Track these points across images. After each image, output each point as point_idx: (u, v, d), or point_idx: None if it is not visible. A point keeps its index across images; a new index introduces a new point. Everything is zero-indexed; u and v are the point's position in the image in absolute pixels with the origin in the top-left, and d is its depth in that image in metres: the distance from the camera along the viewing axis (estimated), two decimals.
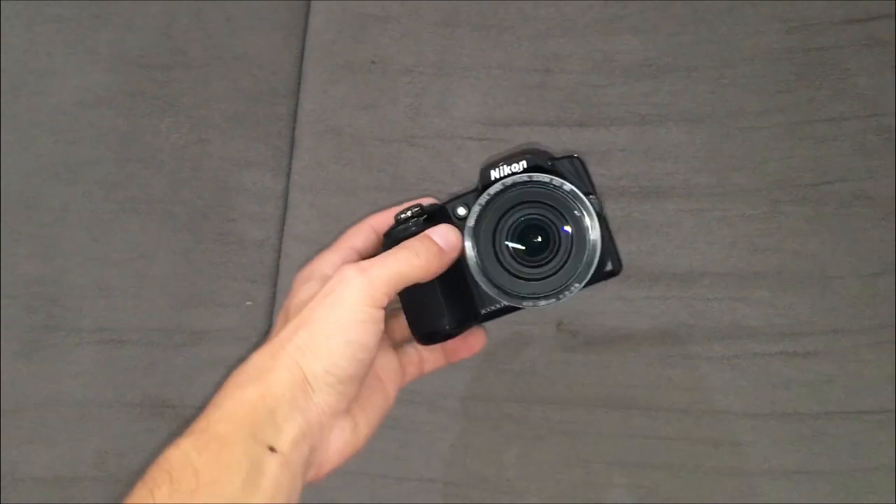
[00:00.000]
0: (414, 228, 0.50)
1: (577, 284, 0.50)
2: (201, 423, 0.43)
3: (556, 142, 0.77)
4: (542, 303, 0.50)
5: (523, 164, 0.51)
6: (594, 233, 0.50)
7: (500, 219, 0.51)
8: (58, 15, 0.83)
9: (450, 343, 0.52)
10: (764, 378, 0.69)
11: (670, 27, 0.77)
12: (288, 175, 0.82)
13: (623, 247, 0.73)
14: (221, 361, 0.76)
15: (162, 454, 0.42)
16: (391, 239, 0.51)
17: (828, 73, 0.75)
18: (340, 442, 0.46)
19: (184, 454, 0.41)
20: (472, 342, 0.54)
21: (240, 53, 0.83)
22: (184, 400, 0.75)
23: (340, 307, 0.44)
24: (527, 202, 0.51)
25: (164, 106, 0.81)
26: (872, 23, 0.76)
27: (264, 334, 0.77)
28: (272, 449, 0.41)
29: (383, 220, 0.55)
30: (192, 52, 0.83)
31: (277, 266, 0.79)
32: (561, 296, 0.50)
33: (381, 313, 0.45)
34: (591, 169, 0.76)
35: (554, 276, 0.51)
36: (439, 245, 0.49)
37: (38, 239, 0.77)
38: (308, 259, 0.77)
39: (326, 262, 0.52)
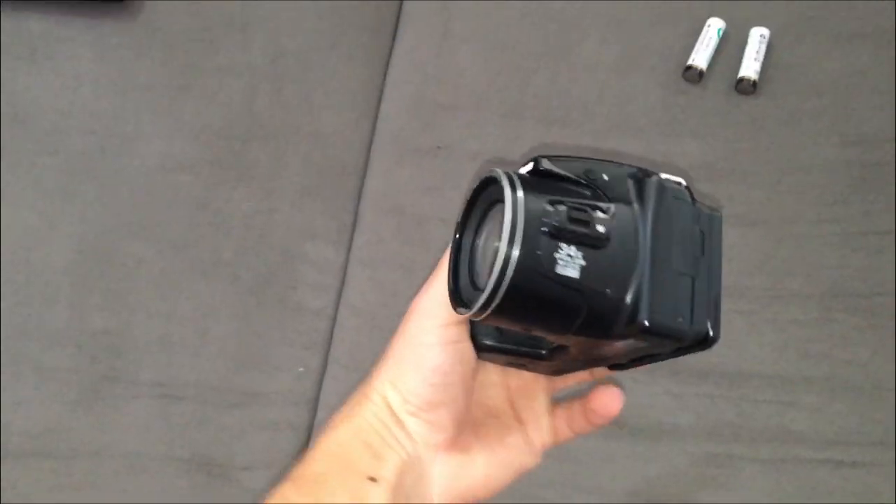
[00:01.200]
0: None
1: None
2: (299, 469, 0.42)
3: None
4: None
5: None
6: None
7: None
8: (149, 84, 0.89)
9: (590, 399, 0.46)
10: (809, 485, 0.69)
11: (729, 133, 0.80)
12: (349, 248, 0.85)
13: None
14: (271, 424, 0.78)
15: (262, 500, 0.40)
16: None
17: (882, 188, 0.77)
18: (450, 477, 0.43)
19: (283, 499, 0.40)
20: (608, 400, 0.46)
21: (314, 130, 0.88)
22: (231, 459, 0.76)
23: (408, 333, 0.43)
24: None
25: (239, 175, 0.85)
26: None
27: (314, 400, 0.79)
28: (372, 479, 0.40)
29: None
30: (269, 126, 0.88)
31: (331, 334, 0.82)
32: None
33: (456, 330, 0.41)
34: None
35: None
36: None
37: (109, 292, 0.81)
38: (359, 330, 0.80)
39: (434, 286, 0.45)
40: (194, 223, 0.84)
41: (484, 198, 0.41)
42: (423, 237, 0.82)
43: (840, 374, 0.72)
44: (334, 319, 0.82)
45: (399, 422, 0.42)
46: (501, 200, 0.36)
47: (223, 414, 0.78)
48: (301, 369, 0.80)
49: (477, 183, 0.40)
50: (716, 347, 0.75)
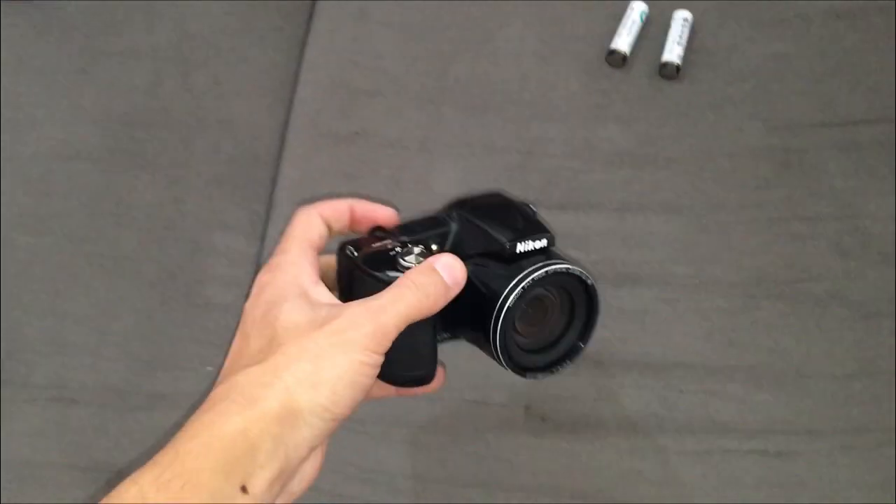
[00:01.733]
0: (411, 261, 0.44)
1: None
2: (169, 454, 0.38)
3: None
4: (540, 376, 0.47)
5: (544, 241, 0.49)
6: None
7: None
8: (45, 67, 0.84)
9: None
10: (735, 476, 0.67)
11: (652, 119, 0.78)
12: (263, 240, 0.81)
13: (597, 333, 0.72)
14: (176, 428, 0.73)
15: (116, 489, 0.37)
16: (369, 263, 0.45)
17: (806, 174, 0.76)
18: (310, 471, 0.43)
19: (140, 492, 0.37)
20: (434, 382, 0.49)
21: (224, 116, 0.84)
22: (134, 467, 0.71)
23: (350, 349, 0.41)
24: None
25: (143, 164, 0.80)
26: (851, 127, 0.77)
27: None
28: (244, 489, 0.37)
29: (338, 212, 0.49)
30: (176, 113, 0.83)
31: None
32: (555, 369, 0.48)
33: (382, 356, 0.42)
34: (568, 252, 0.76)
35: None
36: (446, 282, 0.44)
37: None
38: None
39: (293, 267, 0.45)
40: (93, 214, 0.78)
41: None
42: None
43: (765, 363, 0.70)
44: None
45: (295, 425, 0.39)
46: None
47: (125, 418, 0.72)
48: (210, 368, 0.76)
49: None
50: (640, 337, 0.73)
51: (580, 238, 0.75)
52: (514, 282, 0.45)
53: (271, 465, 0.38)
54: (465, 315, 0.46)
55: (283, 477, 0.39)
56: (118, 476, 0.69)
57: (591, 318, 0.51)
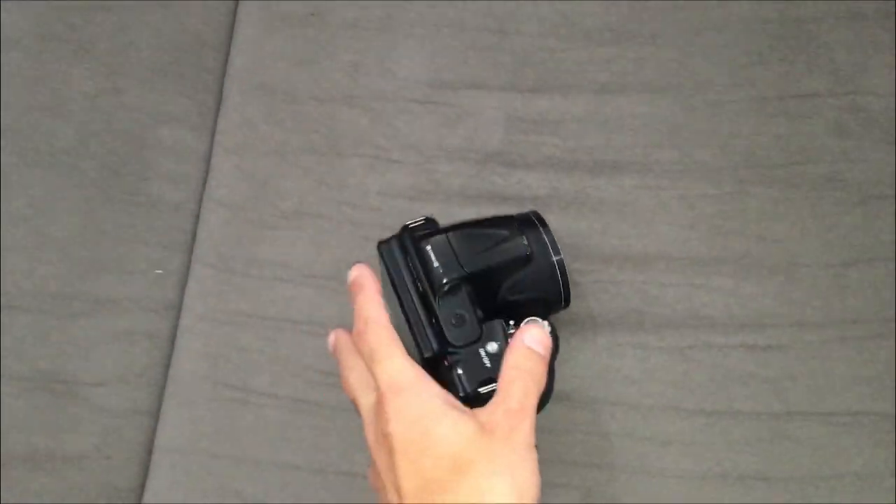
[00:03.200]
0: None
1: None
2: None
3: (508, 108, 0.70)
4: None
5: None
6: None
7: None
8: None
9: None
10: (720, 372, 0.63)
11: None
12: (212, 134, 0.74)
13: (574, 224, 0.67)
14: (123, 334, 0.68)
15: None
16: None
17: (804, 47, 0.69)
18: None
19: None
20: None
21: None
22: (78, 375, 0.66)
23: (528, 449, 0.45)
24: None
25: (78, 50, 0.73)
26: None
27: (174, 307, 0.70)
28: None
29: None
30: None
31: (194, 232, 0.72)
32: None
33: None
34: (543, 139, 0.70)
35: None
36: (542, 355, 0.48)
37: None
38: (228, 224, 0.70)
39: (422, 381, 0.47)
40: (26, 106, 0.72)
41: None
42: (295, 117, 0.72)
43: (754, 252, 0.65)
44: (197, 215, 0.72)
45: None
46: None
47: (67, 324, 0.68)
48: (159, 271, 0.70)
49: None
50: (620, 228, 0.68)
51: (556, 124, 0.69)
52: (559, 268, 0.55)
53: None
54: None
55: None
56: (63, 385, 0.64)
57: None
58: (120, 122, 0.72)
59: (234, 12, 0.77)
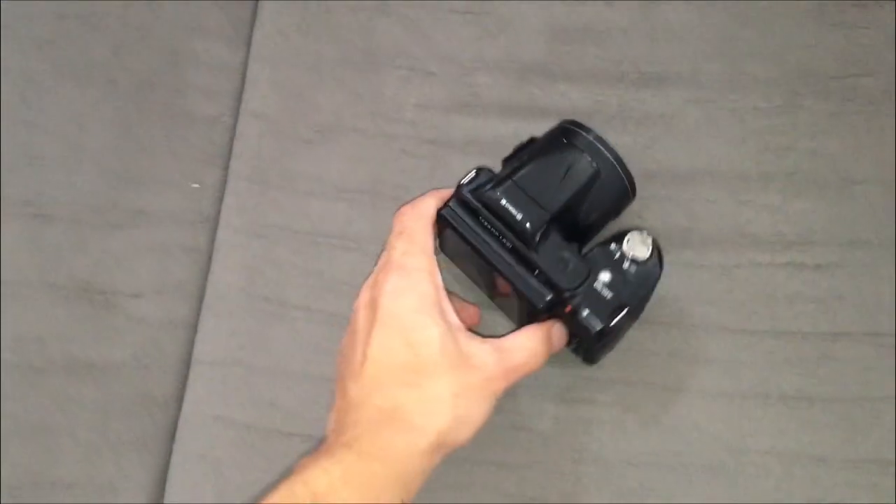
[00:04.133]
0: None
1: None
2: (351, 455, 0.45)
3: (550, 17, 0.67)
4: None
5: None
6: None
7: None
8: None
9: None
10: (766, 291, 0.61)
11: None
12: (247, 46, 0.73)
13: (618, 139, 0.64)
14: (160, 247, 0.68)
15: (307, 469, 0.44)
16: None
17: None
18: None
19: (331, 482, 0.44)
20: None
21: None
22: (116, 286, 0.67)
23: (491, 398, 0.48)
24: None
25: None
26: None
27: (211, 220, 0.69)
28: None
29: None
30: None
31: (230, 146, 0.71)
32: None
33: None
34: (587, 49, 0.67)
35: None
36: (552, 349, 0.51)
37: None
38: (263, 138, 0.69)
39: (430, 278, 0.49)
40: (60, 18, 0.71)
41: None
42: (329, 27, 0.70)
43: (804, 168, 0.63)
44: (233, 128, 0.71)
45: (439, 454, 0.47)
46: None
47: (104, 236, 0.68)
48: (195, 185, 0.70)
49: None
50: (666, 143, 0.65)
51: (600, 34, 0.67)
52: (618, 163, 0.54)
53: (417, 487, 0.46)
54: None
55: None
56: (102, 296, 0.64)
57: None
58: (154, 34, 0.71)
59: None
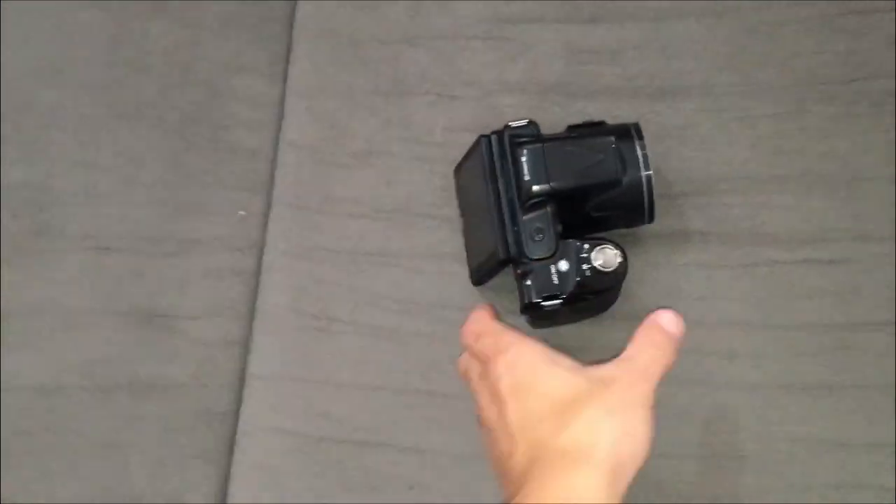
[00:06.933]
0: None
1: None
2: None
3: (566, 40, 0.72)
4: None
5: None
6: None
7: None
8: None
9: None
10: (785, 287, 0.64)
11: None
12: (284, 80, 0.78)
13: None
14: (212, 272, 0.73)
15: None
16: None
17: None
18: None
19: None
20: None
21: None
22: (173, 310, 0.72)
23: (646, 402, 0.46)
24: None
25: (155, 7, 0.77)
26: None
27: (258, 245, 0.74)
28: None
29: None
30: None
31: (272, 175, 0.76)
32: None
33: None
34: (602, 68, 0.71)
35: None
36: (676, 336, 0.50)
37: (25, 143, 0.74)
38: (302, 165, 0.74)
39: (529, 342, 0.49)
40: (111, 63, 0.76)
41: None
42: (361, 60, 0.75)
43: (815, 169, 0.66)
44: (274, 158, 0.76)
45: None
46: None
47: (160, 263, 0.73)
48: (242, 213, 0.75)
49: None
50: (682, 151, 0.69)
51: (615, 53, 0.71)
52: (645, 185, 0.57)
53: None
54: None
55: None
56: (161, 320, 0.69)
57: None
58: (197, 73, 0.76)
59: None
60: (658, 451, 0.62)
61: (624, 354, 0.49)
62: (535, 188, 0.54)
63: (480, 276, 0.57)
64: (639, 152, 0.56)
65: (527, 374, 0.47)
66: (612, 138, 0.56)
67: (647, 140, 0.68)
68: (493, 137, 0.56)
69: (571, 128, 0.59)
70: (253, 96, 0.77)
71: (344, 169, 0.73)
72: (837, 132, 0.66)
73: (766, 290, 0.65)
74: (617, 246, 0.53)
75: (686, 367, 0.64)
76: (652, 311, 0.50)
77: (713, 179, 0.67)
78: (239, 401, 0.70)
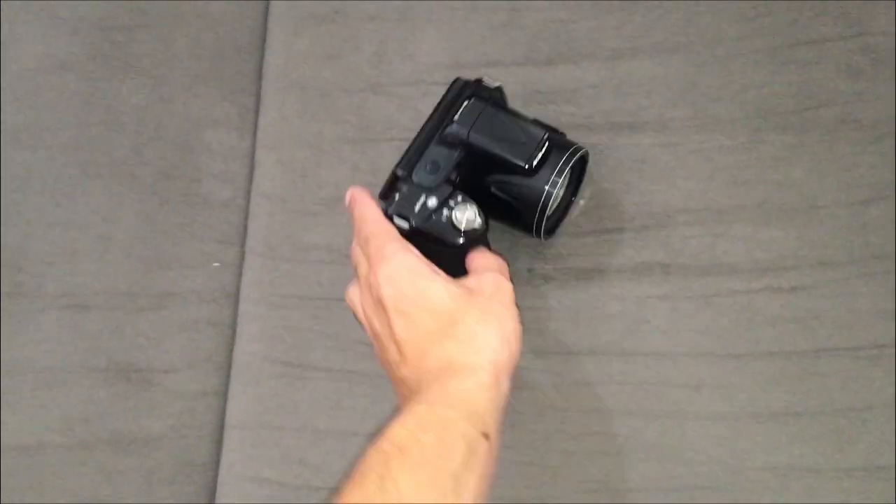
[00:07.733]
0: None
1: None
2: (423, 406, 0.47)
3: (524, 81, 0.73)
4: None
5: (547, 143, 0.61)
6: None
7: None
8: None
9: None
10: (747, 316, 0.65)
11: None
12: (254, 132, 0.80)
13: (595, 186, 0.70)
14: (188, 324, 0.74)
15: (388, 429, 0.46)
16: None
17: None
18: None
19: (410, 433, 0.46)
20: None
21: (202, 11, 0.82)
22: (151, 364, 0.73)
23: (511, 306, 0.52)
24: None
25: (126, 67, 0.79)
26: None
27: (234, 295, 0.75)
28: (486, 435, 0.46)
29: None
30: (153, 13, 0.81)
31: (245, 226, 0.77)
32: None
33: None
34: (560, 108, 0.73)
35: None
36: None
37: (1, 206, 0.76)
38: (273, 216, 0.75)
39: (411, 254, 0.54)
40: (83, 123, 0.78)
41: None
42: (327, 110, 0.77)
43: (773, 198, 0.67)
44: (246, 209, 0.78)
45: (502, 381, 0.49)
46: None
47: (137, 318, 0.74)
48: (216, 264, 0.76)
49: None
50: (640, 185, 0.70)
51: (572, 92, 0.72)
52: (543, 197, 0.59)
53: (495, 416, 0.48)
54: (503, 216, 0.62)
55: (501, 420, 0.49)
56: (139, 374, 0.70)
57: (581, 175, 0.65)
58: (169, 129, 0.78)
59: (265, 18, 0.82)
60: (629, 484, 0.64)
61: (473, 267, 0.55)
62: (452, 129, 0.58)
63: (384, 189, 0.60)
64: (561, 167, 0.59)
65: (408, 286, 0.51)
66: (546, 135, 0.59)
67: (604, 173, 0.70)
68: (461, 81, 0.61)
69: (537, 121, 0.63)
70: (224, 150, 0.79)
71: (314, 217, 0.75)
72: (792, 161, 0.67)
73: (729, 320, 0.65)
74: (483, 216, 0.56)
75: (653, 399, 0.65)
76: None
77: (672, 211, 0.68)
78: (218, 451, 0.72)
